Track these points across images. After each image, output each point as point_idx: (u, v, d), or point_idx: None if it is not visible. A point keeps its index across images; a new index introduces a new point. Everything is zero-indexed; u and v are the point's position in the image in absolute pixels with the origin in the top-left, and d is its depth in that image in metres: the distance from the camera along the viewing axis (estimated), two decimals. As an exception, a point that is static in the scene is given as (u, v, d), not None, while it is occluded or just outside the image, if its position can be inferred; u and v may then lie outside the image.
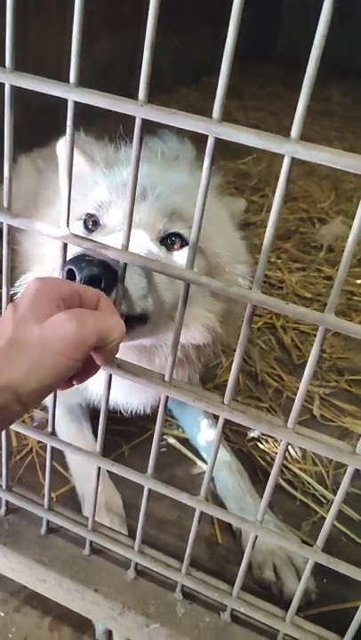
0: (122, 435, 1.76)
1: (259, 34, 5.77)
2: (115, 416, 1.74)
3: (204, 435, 1.73)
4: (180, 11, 4.58)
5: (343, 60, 5.09)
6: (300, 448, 1.82)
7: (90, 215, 1.33)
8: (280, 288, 2.67)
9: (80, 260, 0.93)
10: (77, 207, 1.34)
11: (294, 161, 0.73)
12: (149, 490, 1.12)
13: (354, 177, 3.87)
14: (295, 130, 0.71)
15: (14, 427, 1.13)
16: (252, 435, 1.85)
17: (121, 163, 1.41)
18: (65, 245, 0.95)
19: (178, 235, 1.29)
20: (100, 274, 0.93)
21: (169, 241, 1.29)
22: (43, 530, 1.32)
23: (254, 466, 1.74)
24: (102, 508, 1.45)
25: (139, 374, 1.01)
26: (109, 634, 1.33)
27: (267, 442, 1.84)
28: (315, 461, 1.79)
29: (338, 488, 0.97)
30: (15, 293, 1.46)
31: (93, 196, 1.34)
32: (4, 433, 1.23)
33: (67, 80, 0.80)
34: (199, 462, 1.74)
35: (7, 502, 1.35)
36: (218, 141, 0.76)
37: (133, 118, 0.80)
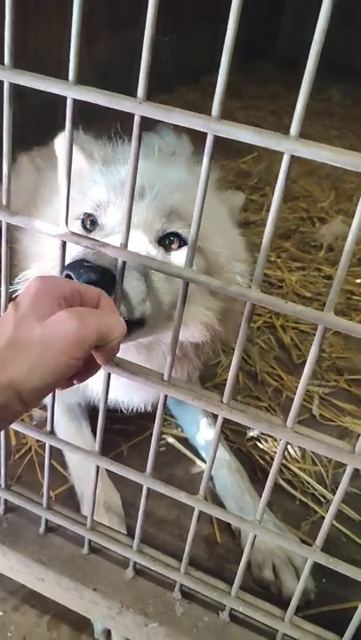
0: (121, 434, 1.76)
1: (259, 34, 5.77)
2: (114, 415, 1.74)
3: (204, 434, 1.73)
4: (180, 11, 4.58)
5: (343, 61, 5.10)
6: (299, 447, 1.82)
7: (88, 215, 1.33)
8: (280, 287, 2.66)
9: (78, 265, 0.94)
10: (75, 206, 1.33)
11: (294, 159, 0.73)
12: (148, 489, 1.12)
13: (354, 176, 3.87)
14: (294, 127, 0.71)
15: (13, 425, 1.13)
16: (251, 434, 1.85)
17: (119, 161, 1.40)
18: (64, 244, 0.95)
19: (176, 234, 1.28)
20: (97, 280, 0.93)
21: (167, 241, 1.28)
22: (41, 529, 1.32)
23: (254, 465, 1.74)
24: (101, 506, 1.45)
25: (137, 373, 1.01)
26: (108, 633, 1.33)
27: (266, 441, 1.84)
28: (314, 461, 1.78)
29: (337, 488, 0.97)
30: (15, 291, 1.46)
31: (91, 196, 1.33)
32: (2, 432, 1.23)
33: (66, 79, 0.80)
34: (198, 461, 1.74)
35: (6, 501, 1.35)
36: (217, 139, 0.76)
37: (132, 117, 0.79)
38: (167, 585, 1.24)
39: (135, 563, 1.24)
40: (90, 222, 1.32)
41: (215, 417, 1.00)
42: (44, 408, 1.71)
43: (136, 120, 0.79)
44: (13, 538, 1.31)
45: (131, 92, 0.78)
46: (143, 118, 0.79)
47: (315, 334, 0.85)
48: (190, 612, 1.21)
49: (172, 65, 4.26)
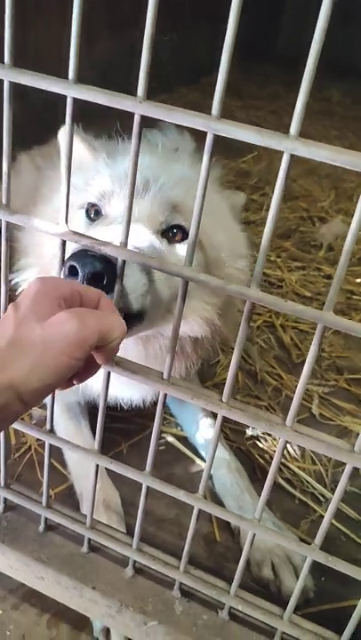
0: (120, 433, 1.76)
1: (259, 33, 5.77)
2: (113, 414, 1.74)
3: (203, 433, 1.73)
4: (181, 10, 4.58)
5: (343, 60, 5.10)
6: (298, 447, 1.82)
7: (92, 204, 1.33)
8: (280, 287, 2.67)
9: (82, 255, 0.93)
10: (80, 196, 1.33)
11: (293, 158, 0.73)
12: (148, 487, 1.12)
13: (354, 176, 3.87)
14: (294, 126, 0.71)
15: (13, 424, 1.13)
16: (250, 433, 1.85)
17: (123, 154, 1.41)
18: (63, 242, 0.95)
19: (179, 227, 1.29)
20: (102, 270, 0.93)
21: (170, 233, 1.29)
22: (41, 527, 1.32)
23: (253, 464, 1.74)
24: (100, 505, 1.45)
25: (137, 372, 1.01)
26: (107, 631, 1.33)
27: (266, 440, 1.84)
28: (314, 460, 1.79)
29: (337, 487, 0.97)
30: (14, 291, 1.47)
31: (96, 186, 1.33)
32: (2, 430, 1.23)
33: (66, 78, 0.80)
34: (198, 460, 1.74)
35: (5, 500, 1.35)
36: (217, 139, 0.76)
37: (132, 116, 0.80)
38: (166, 583, 1.24)
39: (134, 561, 1.24)
40: (94, 212, 1.33)
41: (215, 416, 1.00)
42: (43, 407, 1.71)
43: (136, 119, 0.80)
44: (13, 536, 1.31)
45: (131, 92, 0.78)
46: (143, 117, 0.79)
47: (315, 334, 0.85)
48: (189, 610, 1.21)
49: (173, 64, 4.26)
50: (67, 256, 0.96)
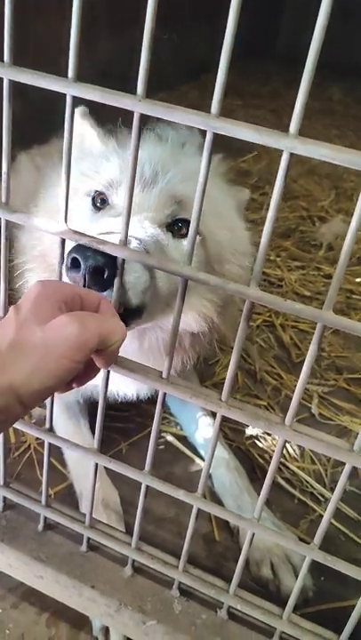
0: (120, 432, 1.76)
1: (259, 33, 5.78)
2: (113, 413, 1.75)
3: (202, 432, 1.73)
4: (181, 10, 4.58)
5: (344, 59, 5.11)
6: (298, 446, 1.82)
7: (99, 193, 1.32)
8: (279, 286, 2.67)
9: (85, 248, 0.93)
10: (87, 183, 1.33)
11: (293, 157, 0.73)
12: (147, 487, 1.12)
13: (354, 175, 3.88)
14: (294, 125, 0.71)
15: (12, 423, 1.13)
16: (250, 432, 1.85)
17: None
18: (63, 241, 0.95)
19: (185, 221, 1.28)
20: (103, 264, 0.93)
21: (175, 227, 1.28)
22: (40, 526, 1.32)
23: (252, 464, 1.74)
24: (99, 504, 1.45)
25: (136, 371, 1.01)
26: (106, 630, 1.33)
27: (265, 440, 1.84)
28: (313, 460, 1.79)
29: (336, 486, 0.97)
30: (14, 290, 1.47)
31: (104, 174, 1.32)
32: (1, 429, 1.23)
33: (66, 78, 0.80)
34: (197, 460, 1.74)
35: (5, 498, 1.35)
36: (217, 137, 0.76)
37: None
38: (165, 583, 1.24)
39: (134, 560, 1.24)
40: (100, 200, 1.32)
41: (214, 415, 1.00)
42: (42, 406, 1.70)
43: (135, 117, 0.79)
44: (12, 535, 1.31)
45: (131, 91, 0.78)
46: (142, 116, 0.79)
47: (314, 333, 0.85)
48: (188, 609, 1.21)
49: (172, 63, 4.26)
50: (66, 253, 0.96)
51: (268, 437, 1.85)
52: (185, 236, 1.28)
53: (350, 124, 5.05)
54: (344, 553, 1.50)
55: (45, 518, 1.31)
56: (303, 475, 1.73)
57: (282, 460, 1.75)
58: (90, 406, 1.71)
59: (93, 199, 1.32)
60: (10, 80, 0.84)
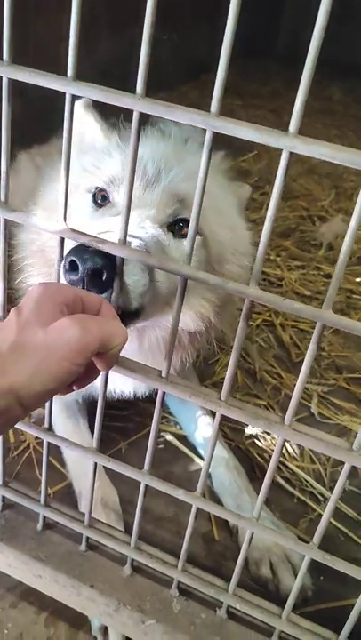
0: (119, 431, 1.76)
1: (259, 32, 5.78)
2: (112, 413, 1.75)
3: (202, 431, 1.73)
4: (181, 9, 4.58)
5: (344, 59, 5.11)
6: (297, 445, 1.82)
7: (100, 189, 1.31)
8: (279, 286, 2.67)
9: (82, 250, 0.92)
10: (88, 178, 1.32)
11: (293, 156, 0.73)
12: (146, 486, 1.12)
13: (354, 175, 3.88)
14: (293, 124, 0.71)
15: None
16: (249, 432, 1.85)
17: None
18: (62, 240, 0.95)
19: (186, 221, 1.26)
20: (102, 266, 0.92)
21: (176, 227, 1.27)
22: (39, 525, 1.32)
23: (252, 463, 1.74)
24: (99, 504, 1.45)
25: (136, 370, 1.01)
26: (105, 630, 1.33)
27: (264, 439, 1.84)
28: (312, 459, 1.79)
29: (335, 485, 0.97)
30: (13, 290, 1.47)
31: (105, 170, 1.31)
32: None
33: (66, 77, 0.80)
34: (197, 459, 1.74)
35: (4, 498, 1.35)
36: (217, 136, 0.76)
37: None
38: (165, 582, 1.24)
39: (133, 560, 1.24)
40: (101, 197, 1.31)
41: (214, 414, 1.00)
42: (42, 405, 1.71)
43: (135, 116, 0.79)
44: (11, 535, 1.31)
45: (131, 91, 0.78)
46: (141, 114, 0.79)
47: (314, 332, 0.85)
48: (188, 609, 1.21)
49: (172, 63, 4.26)
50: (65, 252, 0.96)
51: (267, 437, 1.85)
52: (186, 235, 1.27)
53: (350, 123, 5.05)
54: (343, 552, 1.50)
55: (44, 517, 1.31)
56: (303, 474, 1.73)
57: (281, 459, 1.75)
58: (89, 405, 1.71)
59: (94, 196, 1.31)
60: (9, 79, 0.84)
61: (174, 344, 0.97)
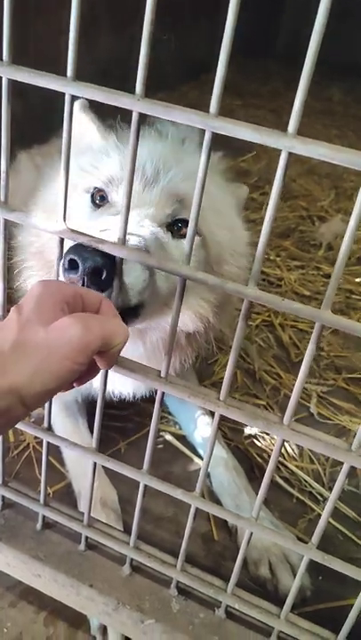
0: (118, 431, 1.76)
1: (259, 32, 5.78)
2: (112, 412, 1.75)
3: (201, 431, 1.73)
4: (180, 9, 4.58)
5: (344, 59, 5.11)
6: (297, 446, 1.82)
7: (98, 189, 1.30)
8: (279, 286, 2.67)
9: (81, 249, 0.92)
10: (86, 178, 1.31)
11: (292, 156, 0.73)
12: (145, 486, 1.12)
13: (354, 175, 3.88)
14: (292, 124, 0.71)
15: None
16: (249, 432, 1.85)
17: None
18: (62, 240, 0.95)
19: (185, 221, 1.26)
20: (102, 265, 0.92)
21: (175, 227, 1.27)
22: (38, 525, 1.32)
23: (251, 463, 1.74)
24: (98, 503, 1.45)
25: (135, 370, 1.01)
26: (104, 629, 1.33)
27: (264, 439, 1.84)
28: (312, 459, 1.79)
29: (334, 486, 0.97)
30: (13, 289, 1.47)
31: (103, 170, 1.31)
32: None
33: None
34: (196, 459, 1.74)
35: (3, 497, 1.35)
36: (216, 136, 0.76)
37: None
38: (164, 582, 1.24)
39: (132, 559, 1.24)
40: (99, 197, 1.30)
41: (213, 414, 1.00)
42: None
43: (134, 116, 0.79)
44: (10, 534, 1.31)
45: (130, 90, 0.78)
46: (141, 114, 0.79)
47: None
48: (186, 608, 1.21)
49: (172, 63, 4.26)
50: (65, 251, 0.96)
51: (266, 437, 1.85)
52: (185, 236, 1.27)
53: (350, 123, 5.05)
54: (342, 552, 1.50)
55: (44, 517, 1.31)
56: (302, 474, 1.73)
57: (280, 459, 1.75)
58: (88, 405, 1.71)
59: (92, 196, 1.31)
60: (9, 79, 0.84)
61: (173, 343, 0.97)
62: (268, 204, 0.78)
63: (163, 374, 1.00)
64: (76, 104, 1.44)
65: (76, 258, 0.92)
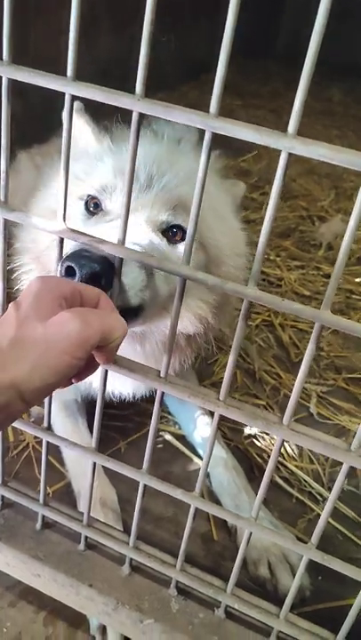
0: (118, 431, 1.76)
1: (259, 32, 5.78)
2: (111, 412, 1.75)
3: (201, 431, 1.73)
4: (181, 9, 4.58)
5: (344, 60, 5.10)
6: (296, 446, 1.82)
7: (91, 197, 1.30)
8: (279, 286, 2.67)
9: (79, 256, 0.92)
10: (80, 186, 1.31)
11: (292, 157, 0.73)
12: (145, 486, 1.12)
13: (354, 175, 3.88)
14: (292, 125, 0.71)
15: (10, 422, 1.13)
16: (248, 432, 1.85)
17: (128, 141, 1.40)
18: (61, 240, 0.95)
19: (179, 227, 1.27)
20: (100, 271, 0.92)
21: (170, 233, 1.27)
22: (38, 525, 1.32)
23: (251, 463, 1.74)
24: (97, 503, 1.45)
25: (135, 370, 1.01)
26: (104, 629, 1.33)
27: (263, 439, 1.84)
28: (311, 459, 1.79)
29: (334, 486, 0.97)
30: (12, 289, 1.47)
31: (97, 177, 1.30)
32: (0, 427, 1.23)
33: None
34: (196, 459, 1.74)
35: (3, 497, 1.35)
36: (216, 137, 0.76)
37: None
38: (163, 581, 1.24)
39: (131, 559, 1.24)
40: (93, 205, 1.30)
41: (212, 414, 1.00)
42: (41, 404, 1.71)
43: (134, 117, 0.79)
44: (10, 534, 1.31)
45: (130, 90, 0.78)
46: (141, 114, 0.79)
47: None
48: (186, 608, 1.21)
49: (172, 63, 4.26)
50: (64, 253, 0.96)
51: (266, 437, 1.85)
52: (180, 241, 1.27)
53: (350, 124, 5.05)
54: (342, 552, 1.50)
55: (43, 517, 1.31)
56: (301, 474, 1.73)
57: (280, 459, 1.75)
58: (88, 405, 1.71)
59: (86, 203, 1.31)
60: (9, 79, 0.84)
61: (173, 343, 0.97)
62: (268, 204, 0.78)
63: (162, 374, 1.00)
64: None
65: (73, 265, 0.93)
